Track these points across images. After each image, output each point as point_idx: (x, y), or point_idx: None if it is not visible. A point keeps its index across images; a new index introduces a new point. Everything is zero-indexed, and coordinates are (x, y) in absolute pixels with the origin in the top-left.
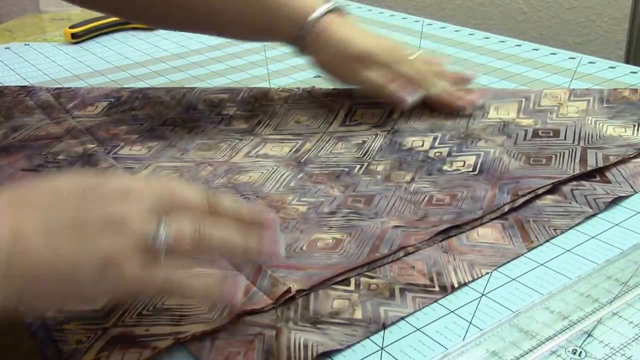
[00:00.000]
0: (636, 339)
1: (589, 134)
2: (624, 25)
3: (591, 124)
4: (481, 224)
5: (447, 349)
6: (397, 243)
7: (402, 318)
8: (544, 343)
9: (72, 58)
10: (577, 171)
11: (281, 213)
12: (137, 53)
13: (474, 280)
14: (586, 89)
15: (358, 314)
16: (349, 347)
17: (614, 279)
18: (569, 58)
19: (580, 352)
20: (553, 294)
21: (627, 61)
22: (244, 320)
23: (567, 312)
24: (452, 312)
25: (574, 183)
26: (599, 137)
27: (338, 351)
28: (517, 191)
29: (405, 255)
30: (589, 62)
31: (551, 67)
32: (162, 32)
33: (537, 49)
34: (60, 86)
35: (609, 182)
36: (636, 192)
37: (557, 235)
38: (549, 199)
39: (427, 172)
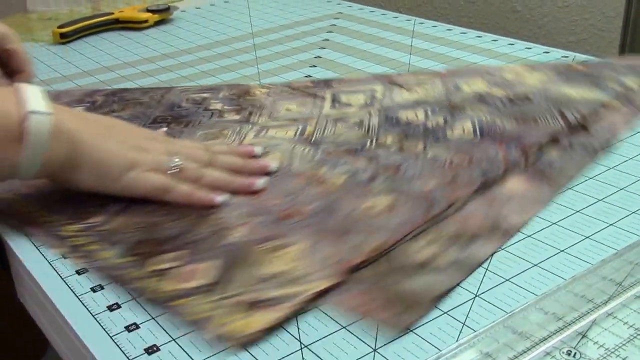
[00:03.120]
0: (631, 340)
1: (556, 98)
2: (618, 23)
3: (554, 89)
4: (506, 179)
5: (440, 350)
6: (445, 200)
7: (492, 255)
8: (538, 344)
9: (61, 58)
10: (563, 126)
11: (323, 186)
12: (126, 53)
13: (529, 220)
14: (541, 63)
15: (451, 258)
16: (340, 347)
17: (608, 280)
18: (562, 57)
19: (575, 353)
20: (547, 295)
21: None
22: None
23: (561, 313)
24: (445, 313)
25: (567, 137)
26: (566, 99)
27: (329, 352)
28: (523, 147)
29: (456, 211)
30: (583, 61)
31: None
32: (151, 32)
33: (530, 48)
34: (47, 87)
35: (593, 135)
36: (619, 141)
37: (577, 182)
38: (553, 153)
39: (434, 140)
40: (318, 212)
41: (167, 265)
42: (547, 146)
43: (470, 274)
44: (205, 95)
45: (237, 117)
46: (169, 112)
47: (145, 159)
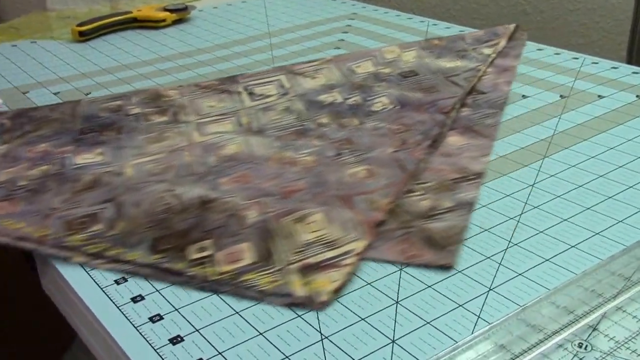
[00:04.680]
0: None
1: (438, 69)
2: (626, 26)
3: (431, 63)
4: (445, 137)
5: (456, 342)
6: (412, 159)
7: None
8: (550, 337)
9: (80, 56)
10: (462, 90)
11: (299, 165)
12: (144, 52)
13: (485, 169)
14: (407, 43)
15: (449, 203)
16: (359, 338)
17: (617, 275)
18: (573, 58)
19: (586, 345)
20: (558, 289)
21: (629, 62)
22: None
23: (572, 306)
24: (460, 306)
25: (470, 97)
26: (445, 69)
27: (347, 341)
28: (441, 110)
29: (425, 166)
30: (592, 63)
31: (555, 67)
32: (169, 31)
33: (541, 49)
34: (65, 85)
35: (485, 93)
36: (507, 96)
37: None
38: (466, 110)
39: (365, 115)
40: (311, 186)
41: (205, 253)
42: (459, 107)
43: (472, 212)
44: (118, 102)
45: (164, 118)
46: (90, 123)
47: None
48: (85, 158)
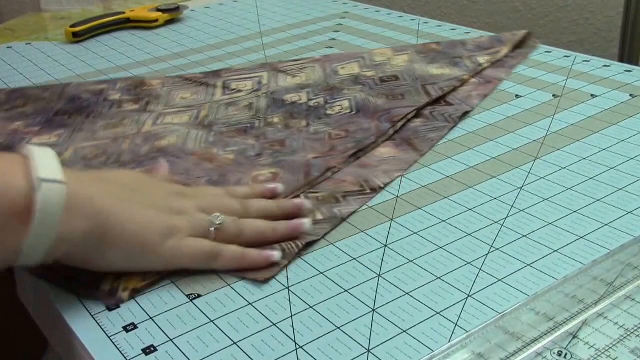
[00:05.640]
0: (621, 340)
1: (421, 76)
2: (617, 23)
3: (419, 68)
4: (377, 146)
5: (433, 350)
6: (323, 167)
7: (352, 213)
8: (529, 345)
9: (74, 57)
10: (427, 100)
11: (215, 163)
12: (137, 52)
13: (392, 182)
14: (403, 46)
15: (319, 216)
16: (333, 347)
17: (599, 280)
18: (564, 56)
19: (566, 353)
20: (538, 295)
21: (621, 59)
22: None
23: (552, 313)
24: (438, 313)
25: (429, 108)
26: (429, 76)
27: (321, 350)
28: (392, 118)
29: (332, 175)
30: (584, 61)
31: (546, 65)
32: (161, 31)
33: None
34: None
35: (452, 104)
36: (473, 109)
37: (436, 145)
38: (418, 121)
39: (316, 117)
40: (209, 185)
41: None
42: (413, 117)
43: (334, 228)
44: (102, 86)
45: (135, 106)
46: (70, 105)
47: (183, 223)
48: (42, 139)
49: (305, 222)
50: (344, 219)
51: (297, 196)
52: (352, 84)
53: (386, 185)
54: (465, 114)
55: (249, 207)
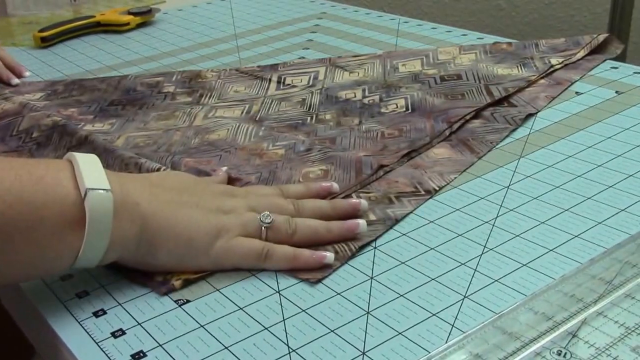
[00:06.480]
0: (622, 339)
1: (485, 75)
2: (604, 20)
3: (484, 68)
4: (432, 147)
5: (429, 352)
6: (374, 165)
7: (407, 214)
8: (528, 345)
9: (42, 62)
10: (488, 100)
11: (265, 158)
12: (108, 56)
13: (447, 184)
14: (472, 45)
15: (372, 216)
16: (328, 350)
17: (598, 278)
18: None
19: (565, 353)
20: (536, 295)
21: None
22: None
23: (551, 312)
24: (434, 315)
25: (490, 109)
26: (494, 76)
27: (315, 354)
28: (449, 119)
29: (384, 174)
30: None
31: None
32: (133, 35)
33: None
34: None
35: (515, 106)
36: (539, 111)
37: (495, 147)
38: (476, 122)
39: (369, 115)
40: (259, 182)
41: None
42: (472, 118)
43: (387, 230)
44: (158, 78)
45: (188, 99)
46: (124, 96)
47: (233, 223)
48: (94, 126)
49: (361, 223)
50: (397, 221)
51: (349, 195)
52: (411, 82)
53: (441, 188)
54: (529, 116)
55: (300, 207)
